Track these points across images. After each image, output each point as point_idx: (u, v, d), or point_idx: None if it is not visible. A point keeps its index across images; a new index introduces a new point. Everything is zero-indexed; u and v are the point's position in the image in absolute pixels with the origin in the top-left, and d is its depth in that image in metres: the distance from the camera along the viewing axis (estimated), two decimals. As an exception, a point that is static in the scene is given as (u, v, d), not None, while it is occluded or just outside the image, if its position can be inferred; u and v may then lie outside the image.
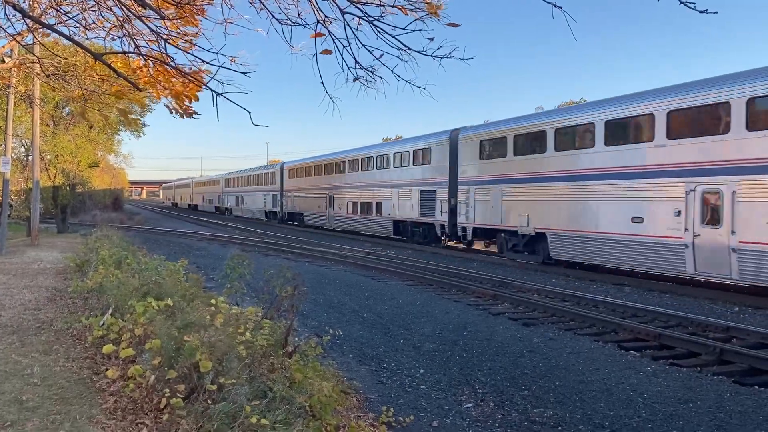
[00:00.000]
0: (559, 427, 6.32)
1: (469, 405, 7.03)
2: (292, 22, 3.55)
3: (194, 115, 4.98)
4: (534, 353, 9.08)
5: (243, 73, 3.94)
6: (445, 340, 9.87)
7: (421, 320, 11.38)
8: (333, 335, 8.28)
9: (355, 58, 3.70)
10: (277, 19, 3.58)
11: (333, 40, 3.53)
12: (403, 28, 3.29)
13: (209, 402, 4.86)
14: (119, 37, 4.55)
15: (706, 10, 2.68)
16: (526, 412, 6.75)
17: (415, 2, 3.20)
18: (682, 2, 2.58)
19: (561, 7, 2.84)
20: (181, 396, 4.98)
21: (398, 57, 3.55)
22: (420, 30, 3.27)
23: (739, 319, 11.87)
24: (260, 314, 7.07)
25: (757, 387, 7.68)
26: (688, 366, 8.60)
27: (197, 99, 4.79)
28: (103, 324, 7.40)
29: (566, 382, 7.75)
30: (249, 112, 4.14)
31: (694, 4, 2.65)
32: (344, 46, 3.55)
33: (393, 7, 3.22)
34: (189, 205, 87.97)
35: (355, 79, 3.76)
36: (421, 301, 13.31)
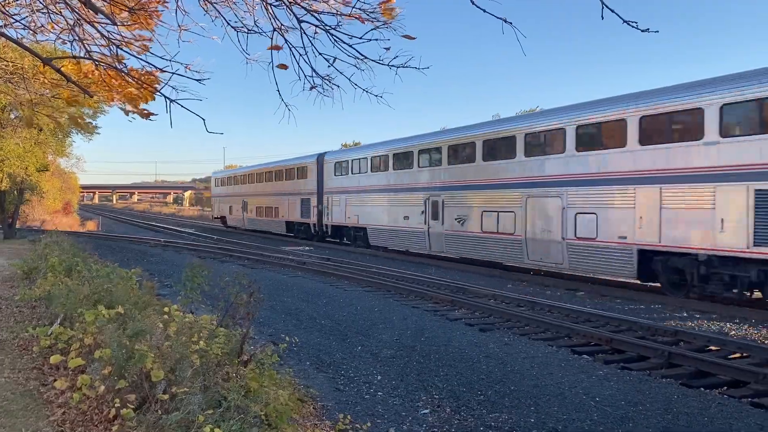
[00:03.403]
0: (514, 432, 6.41)
1: (426, 411, 7.07)
2: (248, 30, 3.54)
3: (151, 117, 4.90)
4: (490, 358, 9.19)
5: (197, 80, 3.91)
6: (402, 347, 9.90)
7: (379, 326, 11.39)
8: (290, 343, 8.22)
9: (311, 67, 3.72)
10: (233, 27, 3.56)
11: (290, 49, 3.54)
12: (360, 38, 3.32)
13: (161, 412, 4.77)
14: (70, 41, 4.44)
15: (648, 29, 2.79)
16: (481, 418, 6.82)
17: (371, 12, 3.23)
18: (625, 21, 2.68)
19: (511, 23, 2.90)
20: (132, 406, 4.87)
21: (355, 66, 3.57)
22: (377, 39, 3.30)
23: (685, 323, 12.26)
24: (215, 322, 6.97)
25: (702, 389, 7.94)
26: (638, 369, 8.84)
27: (153, 99, 4.71)
28: (51, 333, 7.18)
29: (521, 386, 7.86)
30: (203, 120, 4.10)
31: (636, 23, 2.76)
32: (301, 55, 3.56)
33: (349, 16, 3.24)
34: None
35: (312, 88, 3.77)
36: (379, 308, 13.33)
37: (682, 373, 8.65)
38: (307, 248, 30.62)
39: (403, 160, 25.67)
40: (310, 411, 6.73)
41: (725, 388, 8.11)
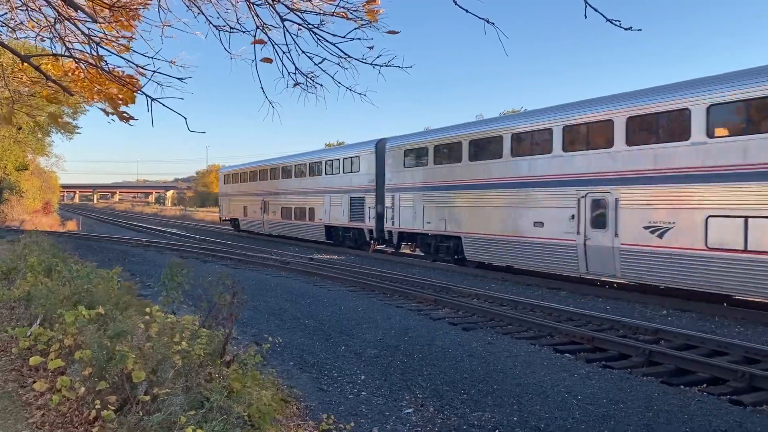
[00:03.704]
0: (497, 430, 6.44)
1: (410, 410, 7.08)
2: (231, 28, 3.52)
3: (130, 121, 4.85)
4: (473, 357, 9.23)
5: (179, 78, 3.87)
6: (386, 346, 9.91)
7: (363, 326, 11.39)
8: (273, 343, 8.19)
9: (294, 64, 3.71)
10: (214, 25, 3.53)
11: (273, 46, 3.52)
12: (343, 37, 3.32)
13: (142, 414, 4.73)
14: (50, 39, 4.39)
15: (630, 27, 2.82)
16: (465, 416, 6.85)
17: (355, 11, 3.23)
18: (608, 20, 2.71)
19: (493, 23, 2.92)
20: (113, 408, 4.83)
21: (338, 64, 3.57)
22: (360, 39, 3.30)
23: (666, 322, 12.41)
24: (198, 323, 6.93)
25: (682, 387, 8.04)
26: (620, 368, 8.92)
27: (134, 102, 4.66)
28: (30, 334, 7.09)
29: (504, 385, 7.90)
30: (185, 118, 4.06)
31: (620, 22, 2.79)
32: (284, 52, 3.55)
33: (333, 15, 3.23)
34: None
35: (295, 85, 3.75)
36: (363, 307, 13.33)
37: (662, 371, 8.74)
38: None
39: (532, 141, 18.49)
40: (293, 411, 6.72)
41: (705, 385, 8.20)
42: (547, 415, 6.83)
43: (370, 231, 26.84)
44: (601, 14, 2.69)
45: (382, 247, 28.16)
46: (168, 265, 8.80)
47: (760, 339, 10.86)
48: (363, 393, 7.66)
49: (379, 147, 26.21)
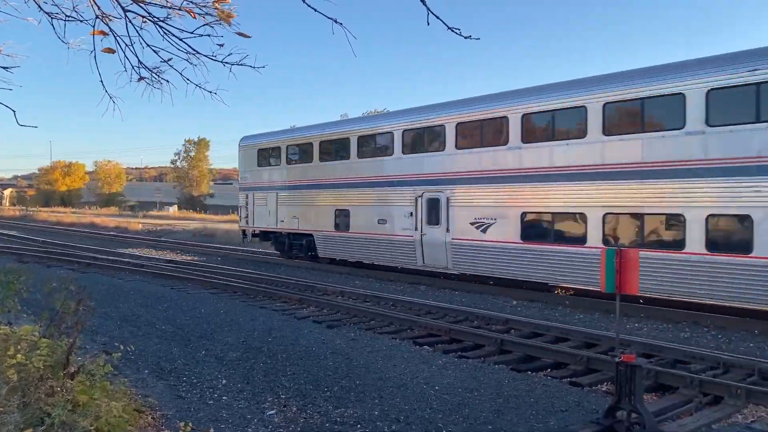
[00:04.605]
0: (359, 426, 6.55)
1: (272, 412, 7.01)
2: (67, 16, 3.26)
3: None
4: (336, 354, 9.31)
5: (4, 68, 3.52)
6: (249, 348, 9.73)
7: (224, 329, 11.09)
8: (126, 351, 7.73)
9: (138, 58, 3.52)
10: (46, 12, 3.25)
11: (115, 38, 3.31)
12: (191, 32, 3.20)
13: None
14: None
15: (470, 36, 3.00)
16: (327, 414, 6.89)
17: (204, 7, 3.12)
18: (449, 28, 2.86)
19: (341, 23, 2.96)
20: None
21: (186, 60, 3.44)
22: (209, 35, 3.20)
23: (516, 312, 13.28)
24: (38, 333, 6.38)
25: (530, 372, 8.65)
26: (474, 357, 9.42)
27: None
28: None
29: (366, 380, 8.05)
30: (14, 111, 3.72)
31: (459, 30, 2.95)
32: (127, 45, 3.35)
33: (180, 9, 3.11)
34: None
35: (139, 79, 3.56)
36: (225, 310, 12.97)
37: (512, 359, 9.35)
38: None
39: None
40: (148, 421, 6.39)
41: (549, 370, 8.89)
42: (407, 406, 7.05)
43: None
44: (443, 22, 2.83)
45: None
46: (1, 271, 8.00)
47: (597, 324, 11.94)
48: (224, 397, 7.47)
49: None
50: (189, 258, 24.81)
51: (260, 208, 23.95)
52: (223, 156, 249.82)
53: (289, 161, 22.82)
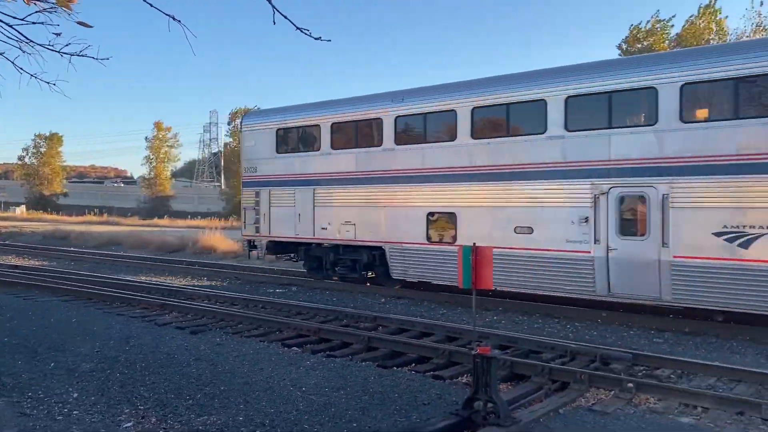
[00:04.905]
0: (222, 433, 6.39)
1: (129, 424, 6.65)
2: None
3: None
4: (200, 361, 9.01)
5: None
6: (104, 358, 9.15)
7: (77, 339, 10.35)
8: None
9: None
10: None
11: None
12: (23, 19, 2.95)
13: None
14: None
15: (320, 37, 3.03)
16: (189, 423, 6.65)
17: (41, -8, 2.89)
18: (298, 28, 2.87)
19: (179, 21, 2.87)
20: None
21: (19, 48, 3.17)
22: (42, 23, 2.96)
23: (384, 309, 13.57)
24: None
25: (396, 368, 8.87)
26: (342, 356, 9.49)
27: None
28: None
29: (231, 386, 7.86)
30: None
31: (309, 31, 2.97)
32: (-52, 32, 3.02)
33: (11, -6, 2.85)
34: None
35: (-41, 69, 3.23)
36: (78, 318, 12.11)
37: (379, 356, 9.52)
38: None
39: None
40: (-16, 445, 5.84)
41: (414, 364, 9.16)
42: (272, 410, 6.97)
43: None
44: (291, 22, 2.83)
45: None
46: None
47: (459, 319, 12.48)
48: (75, 412, 6.98)
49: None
50: (38, 263, 22.91)
51: (282, 210, 17.85)
52: (79, 153, 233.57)
53: (336, 145, 16.90)
